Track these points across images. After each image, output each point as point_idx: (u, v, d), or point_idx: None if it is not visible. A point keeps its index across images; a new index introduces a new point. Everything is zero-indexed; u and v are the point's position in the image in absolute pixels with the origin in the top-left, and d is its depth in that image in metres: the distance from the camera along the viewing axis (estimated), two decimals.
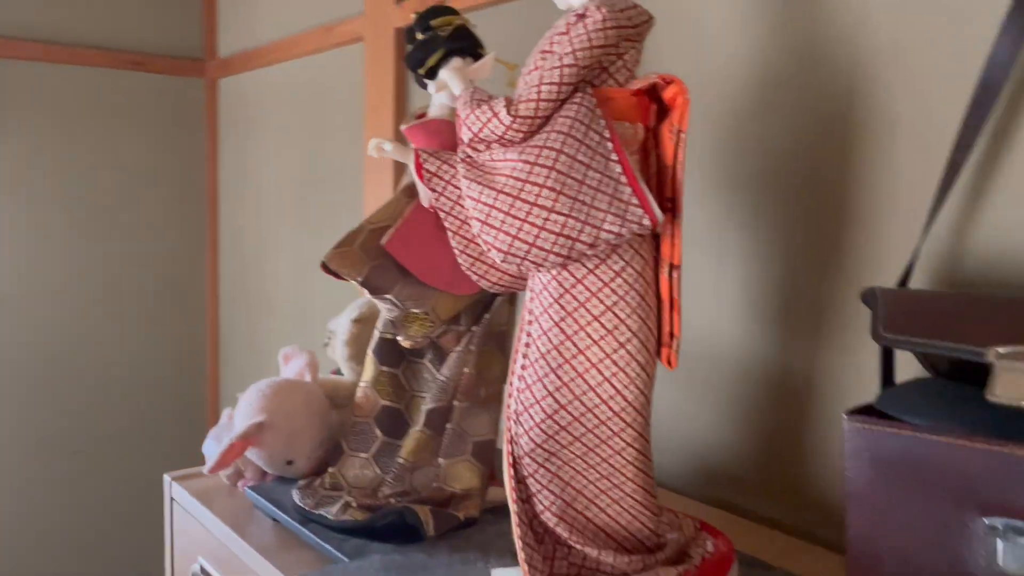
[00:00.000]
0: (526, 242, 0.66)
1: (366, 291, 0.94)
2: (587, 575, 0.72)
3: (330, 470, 0.98)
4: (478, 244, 0.76)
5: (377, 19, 1.63)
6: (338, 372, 1.14)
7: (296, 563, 0.87)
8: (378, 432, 0.98)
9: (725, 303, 1.05)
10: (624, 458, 0.71)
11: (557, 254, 0.66)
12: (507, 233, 0.66)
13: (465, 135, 0.72)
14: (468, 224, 0.75)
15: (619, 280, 0.69)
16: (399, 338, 0.98)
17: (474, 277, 0.80)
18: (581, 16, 0.69)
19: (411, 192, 0.95)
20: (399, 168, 1.64)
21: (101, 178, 2.23)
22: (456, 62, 0.92)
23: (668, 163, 0.71)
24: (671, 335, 0.71)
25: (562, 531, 0.71)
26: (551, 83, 0.67)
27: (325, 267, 0.92)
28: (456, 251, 0.78)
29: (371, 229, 0.94)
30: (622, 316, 0.69)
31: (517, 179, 0.66)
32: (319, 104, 1.90)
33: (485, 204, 0.67)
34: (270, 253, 2.15)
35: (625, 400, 0.69)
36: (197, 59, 2.33)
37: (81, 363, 2.24)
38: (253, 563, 0.90)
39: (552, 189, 0.65)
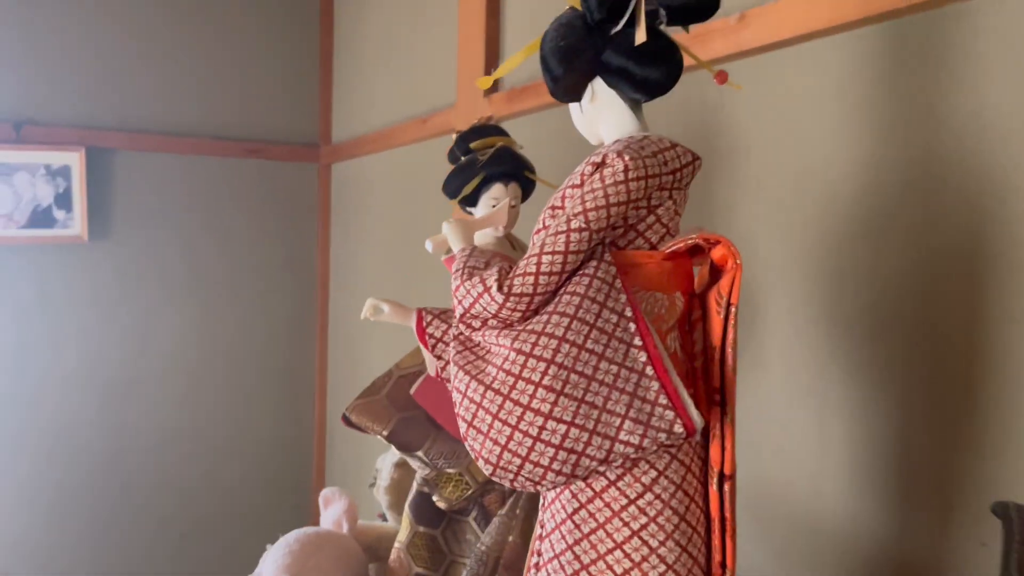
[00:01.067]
0: (518, 455, 0.52)
1: (393, 447, 0.83)
2: None
3: None
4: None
5: (467, 110, 1.56)
6: (385, 516, 1.03)
7: None
8: None
9: (828, 466, 0.86)
10: None
11: (558, 472, 0.52)
12: (495, 441, 0.53)
13: (456, 309, 0.60)
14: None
15: (650, 495, 0.54)
16: (434, 498, 0.86)
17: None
18: (599, 165, 0.56)
19: None
20: None
21: (213, 264, 2.27)
22: (496, 189, 0.81)
23: (715, 343, 0.55)
24: (723, 566, 0.55)
25: None
26: (553, 252, 0.54)
27: (346, 420, 0.82)
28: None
29: (400, 375, 0.83)
30: (653, 544, 0.53)
31: (508, 373, 0.53)
32: (415, 192, 1.85)
33: (471, 401, 0.54)
34: (373, 340, 2.10)
35: None
36: (313, 144, 2.36)
37: (188, 448, 2.26)
38: None
39: (550, 389, 0.51)
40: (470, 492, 0.82)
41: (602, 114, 0.59)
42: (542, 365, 0.52)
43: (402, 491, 0.97)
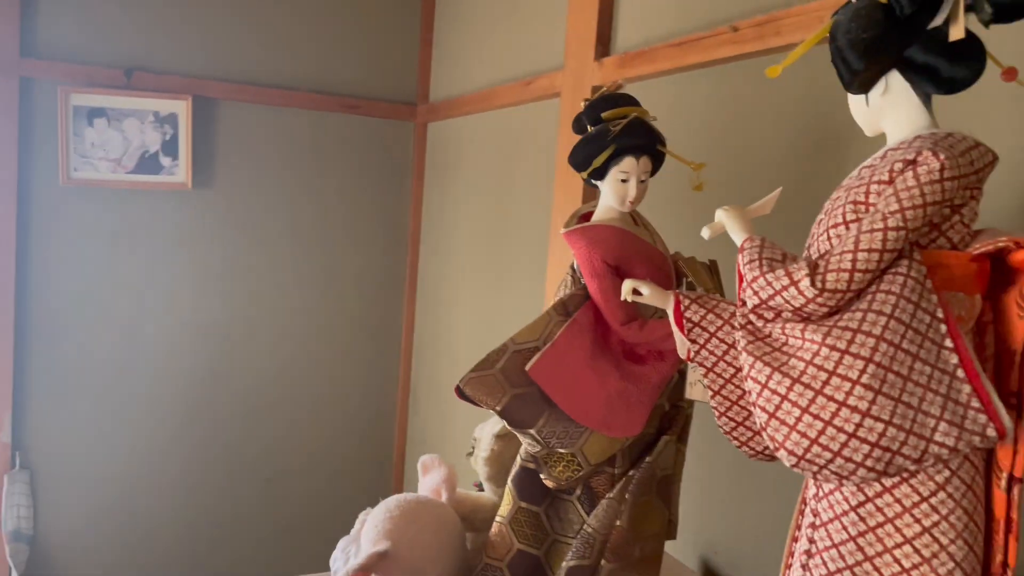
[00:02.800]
0: (829, 449, 0.52)
1: (505, 423, 0.81)
2: None
3: None
4: (742, 407, 0.64)
5: (576, 74, 1.51)
6: (480, 486, 1.02)
7: None
8: None
9: None
10: None
11: (870, 468, 0.52)
12: (803, 435, 0.53)
13: (749, 299, 0.59)
14: (732, 384, 0.63)
15: (942, 494, 0.54)
16: (542, 476, 0.84)
17: (734, 443, 0.66)
18: (911, 162, 0.54)
19: (564, 309, 0.81)
20: None
21: (309, 216, 2.29)
22: (627, 163, 0.77)
23: (1015, 347, 0.54)
24: (1004, 565, 0.55)
25: None
26: (870, 249, 0.53)
27: (460, 392, 0.81)
28: (716, 412, 0.65)
29: (515, 350, 0.81)
30: (944, 542, 0.54)
31: (820, 368, 0.53)
32: (513, 156, 1.82)
33: (774, 392, 0.54)
34: (458, 302, 2.10)
35: None
36: (410, 103, 2.34)
37: (278, 395, 2.32)
38: None
39: (868, 387, 0.51)
40: (581, 473, 0.80)
41: (892, 108, 0.57)
42: (860, 363, 0.52)
43: (502, 463, 0.96)
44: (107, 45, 2.03)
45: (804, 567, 0.58)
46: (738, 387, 0.63)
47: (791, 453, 0.54)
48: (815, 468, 0.54)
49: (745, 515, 1.11)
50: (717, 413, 0.65)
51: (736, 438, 0.65)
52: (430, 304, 2.29)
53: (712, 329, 0.63)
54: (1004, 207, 0.73)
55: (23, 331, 2.04)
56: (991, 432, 0.51)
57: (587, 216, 0.84)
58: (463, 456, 1.05)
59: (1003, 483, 0.54)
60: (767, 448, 0.64)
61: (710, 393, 0.64)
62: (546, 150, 1.65)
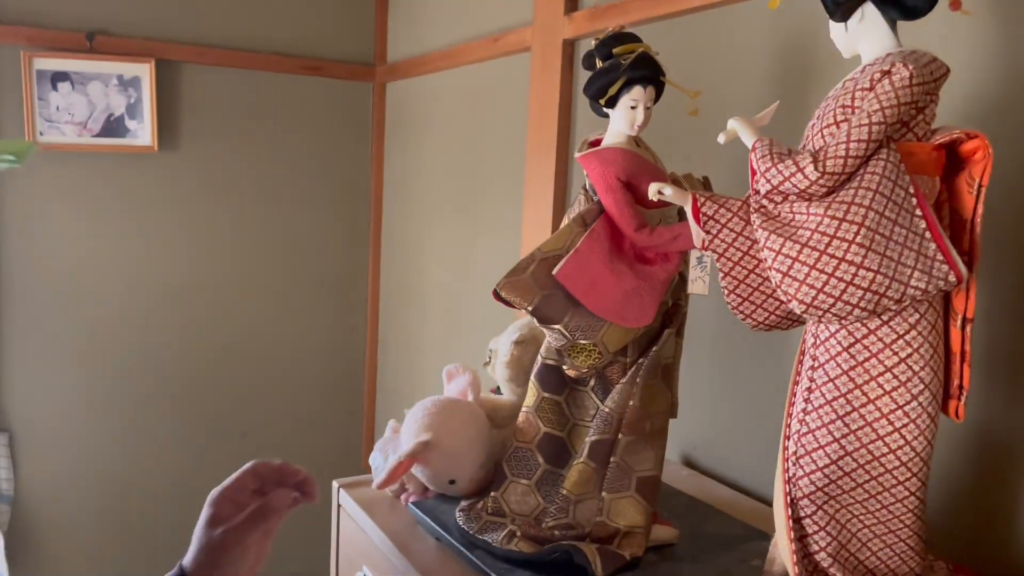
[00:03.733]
0: (831, 296, 0.67)
1: (536, 320, 0.94)
2: None
3: (492, 494, 0.98)
4: (748, 285, 0.78)
5: (546, 30, 1.63)
6: (497, 391, 1.15)
7: None
8: (540, 459, 0.98)
9: None
10: (905, 506, 0.72)
11: (863, 308, 0.67)
12: (811, 286, 0.67)
13: (762, 187, 0.73)
14: (740, 266, 0.77)
15: (913, 332, 0.69)
16: (565, 367, 0.97)
17: (739, 316, 0.80)
18: (887, 72, 0.69)
19: (583, 222, 0.94)
20: (559, 183, 1.63)
21: (273, 177, 2.35)
22: (636, 92, 0.90)
23: (966, 216, 0.70)
24: (960, 388, 0.71)
25: (835, 571, 0.73)
26: (859, 140, 0.68)
27: (496, 295, 0.93)
28: (725, 291, 0.79)
29: (542, 258, 0.94)
30: (915, 368, 0.69)
31: (824, 234, 0.67)
32: (482, 112, 1.93)
33: (787, 256, 0.69)
34: (428, 255, 2.20)
35: (914, 451, 0.70)
36: (368, 64, 2.42)
37: (248, 352, 2.39)
38: None
39: (861, 245, 0.66)
40: (601, 361, 0.93)
41: (866, 32, 0.72)
42: (854, 228, 0.66)
43: (521, 366, 1.09)
44: (68, 8, 2.05)
45: (806, 400, 0.73)
46: (744, 267, 0.77)
47: (801, 302, 0.68)
48: (820, 312, 0.68)
49: (720, 414, 1.27)
50: (726, 292, 0.79)
51: (741, 311, 0.79)
52: (396, 258, 2.39)
53: (723, 221, 0.77)
54: (953, 109, 0.90)
55: None
56: (952, 278, 0.66)
57: (595, 142, 0.97)
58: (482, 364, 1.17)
59: (959, 323, 0.70)
60: (768, 318, 0.79)
61: (721, 274, 0.78)
62: (517, 104, 1.77)
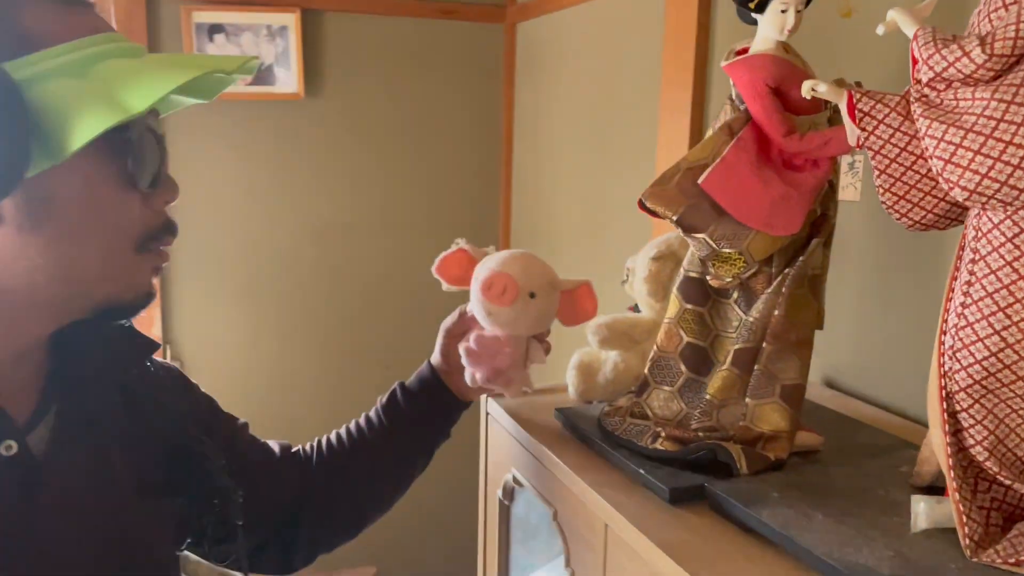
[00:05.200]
0: (997, 180, 0.66)
1: (680, 229, 0.96)
2: (1008, 509, 0.74)
3: (635, 399, 1.02)
4: (904, 183, 0.76)
5: None
6: (635, 308, 1.17)
7: (607, 483, 0.92)
8: (682, 367, 1.01)
9: None
10: None
11: None
12: (975, 172, 0.66)
13: (924, 75, 0.72)
14: (896, 162, 0.76)
15: None
16: (708, 278, 0.99)
17: (895, 215, 0.79)
18: None
19: (729, 130, 0.95)
20: (696, 114, 1.62)
21: (410, 120, 2.44)
22: None
23: None
24: None
25: (991, 465, 0.72)
26: None
27: (642, 205, 0.95)
28: (880, 190, 0.78)
29: (687, 168, 0.95)
30: None
31: (990, 118, 0.66)
32: (614, 45, 1.92)
33: (949, 143, 0.68)
34: (558, 193, 2.23)
35: None
36: (499, 5, 2.45)
37: (391, 289, 2.50)
38: (566, 479, 0.97)
39: None
40: (745, 270, 0.94)
41: None
42: (1023, 110, 0.64)
43: (659, 281, 1.11)
44: None
45: (965, 294, 0.72)
46: (901, 164, 0.76)
47: (964, 188, 0.67)
48: (984, 199, 0.67)
49: (868, 331, 1.25)
50: (881, 190, 0.78)
51: (897, 210, 0.78)
52: (528, 199, 2.43)
53: (880, 116, 0.76)
54: None
55: None
56: None
57: (742, 51, 0.96)
58: (617, 286, 1.20)
59: None
60: (925, 216, 0.77)
61: (876, 172, 0.77)
62: (651, 34, 1.75)
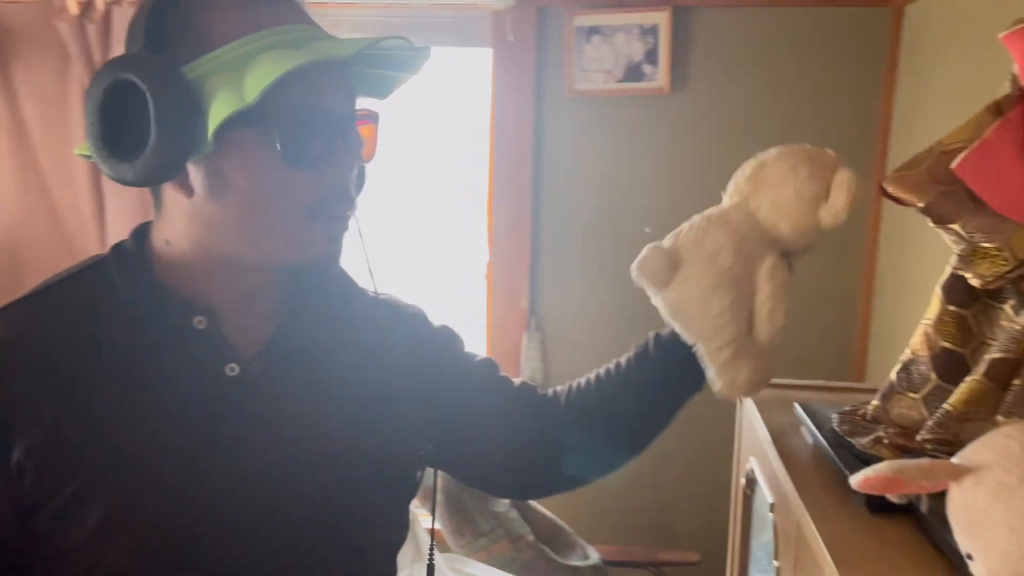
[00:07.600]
0: None
1: (929, 219, 0.87)
2: None
3: (874, 402, 0.94)
4: None
5: None
6: None
7: (819, 484, 0.88)
8: (933, 375, 0.91)
9: None
10: None
11: None
12: None
13: None
14: None
15: None
16: (967, 275, 0.88)
17: None
18: None
19: (997, 109, 0.83)
20: None
21: (777, 113, 2.37)
22: None
23: None
24: None
25: None
26: None
27: (883, 190, 0.88)
28: None
29: (941, 151, 0.86)
30: None
31: None
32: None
33: None
34: None
35: None
36: None
37: None
38: (781, 475, 0.94)
39: None
40: (1007, 269, 0.82)
41: None
42: None
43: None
44: None
45: None
46: None
47: None
48: None
49: None
50: None
51: None
52: None
53: None
54: None
55: (537, 217, 2.51)
56: None
57: None
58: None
59: None
60: None
61: None
62: None
